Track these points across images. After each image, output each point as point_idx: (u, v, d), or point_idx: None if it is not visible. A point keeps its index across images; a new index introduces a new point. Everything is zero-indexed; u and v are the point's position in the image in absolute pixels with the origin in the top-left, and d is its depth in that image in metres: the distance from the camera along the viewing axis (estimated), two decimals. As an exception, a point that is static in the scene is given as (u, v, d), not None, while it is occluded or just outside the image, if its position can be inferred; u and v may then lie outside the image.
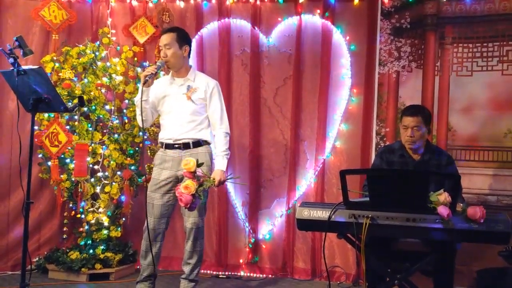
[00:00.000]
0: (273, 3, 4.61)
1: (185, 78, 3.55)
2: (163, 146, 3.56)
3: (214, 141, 3.59)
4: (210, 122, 3.60)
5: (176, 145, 3.51)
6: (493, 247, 3.54)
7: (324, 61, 4.47)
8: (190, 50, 3.57)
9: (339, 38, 4.47)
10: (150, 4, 4.72)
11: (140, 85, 3.43)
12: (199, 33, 4.67)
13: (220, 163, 3.48)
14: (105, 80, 4.41)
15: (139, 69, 4.49)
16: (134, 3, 4.73)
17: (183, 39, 3.52)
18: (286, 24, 4.58)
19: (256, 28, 4.61)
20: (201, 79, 3.59)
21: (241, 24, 4.65)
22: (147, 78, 3.35)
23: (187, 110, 3.50)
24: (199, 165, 3.07)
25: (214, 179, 3.26)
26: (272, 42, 4.61)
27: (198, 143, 3.52)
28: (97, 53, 4.40)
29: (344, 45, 4.46)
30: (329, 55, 4.47)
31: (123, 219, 4.52)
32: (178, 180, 3.49)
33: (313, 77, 4.52)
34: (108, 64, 4.44)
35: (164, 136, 3.57)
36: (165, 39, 3.48)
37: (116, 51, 4.60)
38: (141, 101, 3.40)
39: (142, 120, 3.49)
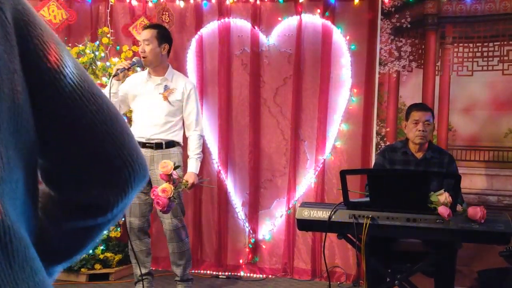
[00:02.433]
0: (273, 2, 4.60)
1: (162, 78, 3.52)
2: None
3: (188, 143, 3.58)
4: (184, 123, 3.59)
5: (148, 144, 3.49)
6: (494, 248, 3.53)
7: (324, 61, 4.47)
8: (169, 49, 3.55)
9: (339, 38, 4.47)
10: (150, 4, 4.71)
11: (110, 77, 3.41)
12: (199, 33, 4.66)
13: (193, 166, 3.48)
14: (104, 80, 4.40)
15: (138, 69, 4.48)
16: (134, 2, 4.72)
17: (163, 37, 3.51)
18: (286, 24, 4.57)
19: (256, 28, 4.60)
20: (179, 80, 3.57)
21: (241, 24, 4.64)
22: (118, 71, 3.33)
23: (163, 110, 3.48)
24: (175, 167, 3.08)
25: (187, 181, 3.26)
26: (272, 41, 4.60)
27: (170, 144, 3.51)
28: (96, 53, 4.39)
29: (344, 45, 4.45)
30: (329, 54, 4.46)
31: (123, 219, 4.50)
32: (149, 179, 3.48)
33: (313, 77, 4.52)
34: (107, 64, 4.43)
35: (136, 134, 3.51)
36: (145, 34, 3.47)
37: (116, 51, 4.59)
38: (110, 94, 3.36)
39: None
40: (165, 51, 3.51)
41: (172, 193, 3.05)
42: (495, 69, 4.10)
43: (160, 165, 3.11)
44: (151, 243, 3.71)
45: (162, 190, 3.02)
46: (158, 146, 3.48)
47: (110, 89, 3.36)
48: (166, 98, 3.49)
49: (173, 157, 3.44)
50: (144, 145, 3.49)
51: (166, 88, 3.51)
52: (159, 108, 3.48)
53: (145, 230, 3.58)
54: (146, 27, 3.58)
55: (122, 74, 3.37)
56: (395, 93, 4.32)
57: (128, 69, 3.38)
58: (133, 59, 3.44)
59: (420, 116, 3.27)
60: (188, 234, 3.65)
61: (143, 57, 3.45)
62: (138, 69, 4.01)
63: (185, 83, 3.57)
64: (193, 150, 3.53)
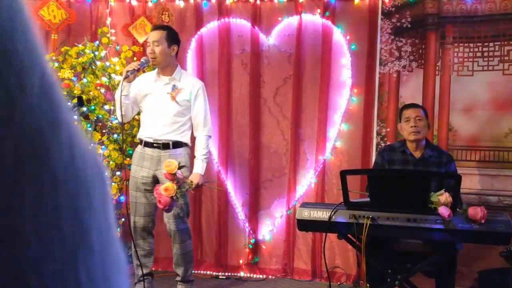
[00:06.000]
0: (273, 2, 4.59)
1: (170, 77, 3.51)
2: (142, 144, 3.54)
3: (195, 144, 3.57)
4: (192, 124, 3.57)
5: (156, 145, 3.48)
6: (494, 248, 3.53)
7: (325, 61, 4.46)
8: (178, 50, 3.55)
9: (339, 38, 4.46)
10: (150, 4, 4.71)
11: (121, 80, 3.41)
12: (198, 32, 4.65)
13: (199, 167, 3.46)
14: (104, 80, 4.39)
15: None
16: (134, 2, 4.72)
17: (173, 38, 3.50)
18: (286, 24, 4.57)
19: (256, 28, 4.60)
20: (187, 80, 3.56)
21: (241, 24, 4.63)
22: (128, 73, 3.33)
23: (171, 110, 3.47)
24: (180, 167, 3.08)
25: (192, 182, 3.25)
26: (272, 41, 4.59)
27: (177, 144, 3.50)
28: (96, 53, 4.39)
29: (344, 45, 4.44)
30: (329, 54, 4.46)
31: (123, 219, 4.50)
32: (156, 179, 3.48)
33: (313, 77, 4.51)
34: (107, 63, 4.42)
35: (144, 134, 3.53)
36: (155, 35, 3.46)
37: (116, 51, 4.59)
38: (121, 96, 3.36)
39: (122, 114, 3.46)
40: (174, 52, 3.51)
41: (175, 192, 3.04)
42: (495, 69, 4.10)
43: (164, 164, 3.11)
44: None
45: (165, 189, 3.02)
46: (165, 146, 3.47)
47: (121, 92, 3.36)
48: (174, 98, 3.47)
49: (179, 157, 3.40)
50: (151, 145, 3.49)
51: (174, 87, 3.50)
52: (167, 108, 3.47)
53: (149, 230, 3.56)
54: (155, 28, 3.56)
55: (132, 76, 3.38)
56: (396, 93, 4.31)
57: (138, 70, 3.39)
58: (142, 60, 3.43)
59: (410, 113, 3.29)
60: (191, 235, 3.64)
61: (153, 58, 3.44)
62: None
63: (193, 83, 3.55)
64: (200, 151, 3.51)
